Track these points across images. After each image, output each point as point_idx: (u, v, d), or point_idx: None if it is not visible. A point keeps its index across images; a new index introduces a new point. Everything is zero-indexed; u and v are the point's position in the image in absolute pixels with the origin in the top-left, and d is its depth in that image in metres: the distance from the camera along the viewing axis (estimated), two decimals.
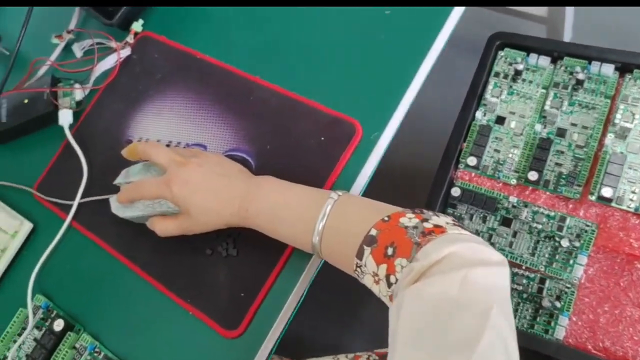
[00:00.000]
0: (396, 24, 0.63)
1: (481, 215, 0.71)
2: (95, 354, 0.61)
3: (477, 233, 0.71)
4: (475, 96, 0.74)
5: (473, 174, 0.72)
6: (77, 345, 0.62)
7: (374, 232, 0.48)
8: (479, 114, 0.73)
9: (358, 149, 0.59)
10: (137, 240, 0.63)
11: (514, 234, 0.69)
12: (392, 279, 0.45)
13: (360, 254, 0.48)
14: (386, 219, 0.48)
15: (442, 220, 0.47)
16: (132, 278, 0.62)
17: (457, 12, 0.62)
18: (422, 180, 0.81)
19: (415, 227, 0.46)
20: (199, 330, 0.58)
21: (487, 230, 0.71)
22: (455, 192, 0.72)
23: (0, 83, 0.72)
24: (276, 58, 0.66)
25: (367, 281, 0.48)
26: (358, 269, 0.49)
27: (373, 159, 0.59)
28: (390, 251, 0.46)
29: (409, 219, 0.47)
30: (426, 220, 0.47)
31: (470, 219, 0.72)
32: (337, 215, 0.51)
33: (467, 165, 0.72)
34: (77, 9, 0.77)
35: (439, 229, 0.46)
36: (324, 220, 0.51)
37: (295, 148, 0.61)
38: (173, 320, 0.59)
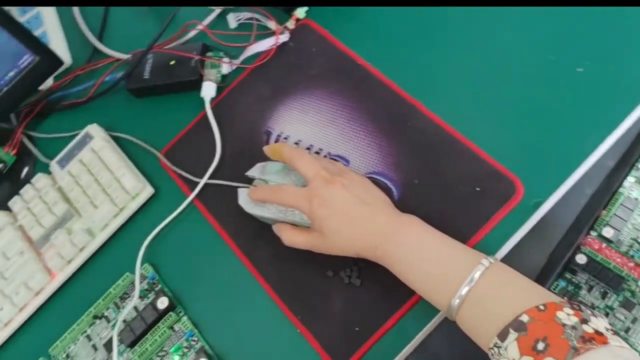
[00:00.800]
0: (588, 84, 0.57)
1: (602, 290, 0.66)
2: (193, 342, 0.60)
3: (592, 307, 0.66)
4: (628, 164, 0.68)
5: (604, 245, 0.67)
6: (176, 328, 0.61)
7: (525, 318, 0.44)
8: (627, 184, 0.67)
9: (514, 211, 0.55)
10: (257, 238, 0.61)
11: (634, 320, 0.64)
12: None
13: (503, 336, 0.44)
14: (542, 308, 0.44)
15: (601, 324, 0.43)
16: (245, 275, 0.61)
17: None
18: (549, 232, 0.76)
19: (573, 328, 0.42)
20: (302, 350, 0.56)
21: (605, 308, 0.66)
22: (581, 259, 0.67)
23: (153, 38, 0.70)
24: (443, 86, 0.62)
25: None
26: (495, 349, 0.45)
27: (527, 226, 0.55)
28: (540, 346, 0.42)
29: (567, 315, 0.43)
30: (586, 321, 0.43)
31: (589, 290, 0.67)
32: (486, 285, 0.48)
33: (600, 235, 0.66)
34: None
35: (600, 337, 0.42)
36: (470, 285, 0.48)
37: (445, 191, 0.57)
38: (278, 332, 0.58)
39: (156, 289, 0.63)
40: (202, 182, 0.65)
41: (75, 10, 0.85)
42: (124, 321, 0.62)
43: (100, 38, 0.80)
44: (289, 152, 0.56)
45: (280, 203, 0.56)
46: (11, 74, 0.70)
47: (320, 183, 0.53)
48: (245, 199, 0.60)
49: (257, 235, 0.61)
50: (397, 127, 0.61)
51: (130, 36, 0.80)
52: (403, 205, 0.56)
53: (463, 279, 0.48)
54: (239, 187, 0.62)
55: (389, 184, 0.59)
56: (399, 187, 0.59)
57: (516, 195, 0.55)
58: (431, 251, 0.51)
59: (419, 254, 0.51)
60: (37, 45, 0.69)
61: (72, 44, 0.82)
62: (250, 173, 0.61)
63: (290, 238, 0.56)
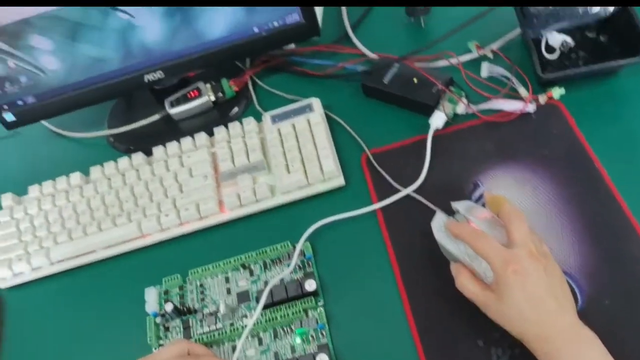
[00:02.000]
0: None
1: None
2: (320, 335, 0.60)
3: None
4: None
5: None
6: (310, 314, 0.61)
7: None
8: None
9: None
10: (423, 270, 0.61)
11: None
12: None
13: None
14: None
15: None
16: (394, 299, 0.60)
17: None
18: None
19: None
20: None
21: None
22: None
23: (409, 52, 0.72)
24: None
25: None
26: None
27: None
28: None
29: None
30: None
31: None
32: None
33: None
34: (518, 30, 0.74)
35: None
36: None
37: (635, 326, 0.54)
38: None
39: (307, 270, 0.64)
40: (404, 192, 0.66)
41: None
42: (266, 282, 0.64)
43: (354, 28, 0.84)
44: (510, 211, 0.55)
45: (475, 249, 0.55)
46: (275, 24, 0.74)
47: (525, 254, 0.52)
48: (439, 224, 0.60)
49: (424, 267, 0.61)
50: (607, 241, 0.59)
51: (381, 37, 0.82)
52: (585, 318, 0.53)
53: None
54: (439, 211, 0.62)
55: (577, 290, 0.57)
56: (585, 299, 0.56)
57: None
58: None
59: None
60: (309, 11, 0.73)
61: (326, 19, 0.86)
62: (456, 205, 0.60)
63: (465, 284, 0.55)
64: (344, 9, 0.87)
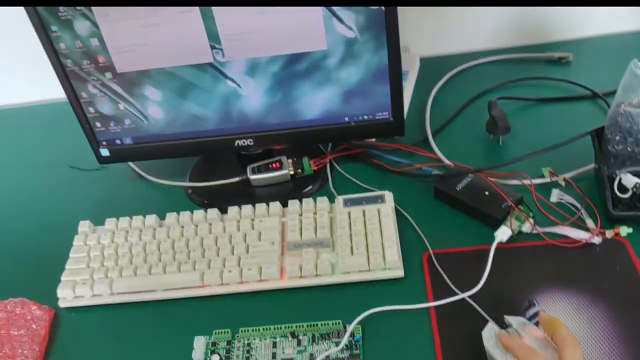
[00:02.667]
0: None
1: None
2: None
3: None
4: None
5: None
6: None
7: None
8: None
9: None
10: None
11: None
12: None
13: None
14: None
15: None
16: None
17: None
18: None
19: None
20: None
21: None
22: None
23: (485, 166, 0.76)
24: None
25: None
26: None
27: None
28: None
29: None
30: None
31: None
32: None
33: None
34: (593, 165, 0.78)
35: None
36: None
37: None
38: None
39: (354, 351, 0.65)
40: (461, 296, 0.67)
41: (430, 99, 0.96)
42: (311, 355, 0.65)
43: (434, 134, 0.89)
44: (566, 336, 0.56)
45: None
46: (365, 117, 0.80)
47: None
48: (490, 334, 0.61)
49: None
50: None
51: (459, 147, 0.87)
52: None
53: None
54: (491, 321, 0.63)
55: None
56: None
57: None
58: None
59: None
60: (399, 111, 0.79)
61: (409, 122, 0.91)
62: (509, 319, 0.62)
63: None
64: (427, 115, 0.92)
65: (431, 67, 1.04)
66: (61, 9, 0.71)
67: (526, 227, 0.73)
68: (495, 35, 1.08)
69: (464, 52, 1.07)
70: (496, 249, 0.71)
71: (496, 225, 0.73)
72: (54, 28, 0.73)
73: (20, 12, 0.73)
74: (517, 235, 0.73)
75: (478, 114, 0.92)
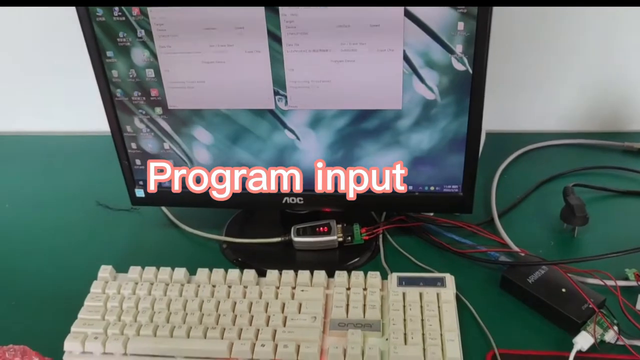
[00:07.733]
0: None
1: None
2: None
3: None
4: None
5: None
6: None
7: None
8: None
9: None
10: None
11: None
12: None
13: None
14: None
15: None
16: None
17: None
18: None
19: None
20: None
21: None
22: None
23: (562, 260, 0.67)
24: None
25: None
26: None
27: None
28: None
29: None
30: None
31: None
32: None
33: None
34: None
35: None
36: None
37: None
38: None
39: None
40: None
41: (496, 177, 0.88)
42: None
43: (500, 216, 0.81)
44: None
45: None
46: (432, 188, 0.72)
47: None
48: None
49: None
50: None
51: (528, 234, 0.79)
52: None
53: None
54: None
55: None
56: None
57: None
58: None
59: None
60: (471, 186, 0.71)
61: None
62: None
63: None
64: (493, 193, 0.84)
65: (497, 143, 0.97)
66: (121, 34, 0.66)
67: (609, 336, 0.63)
68: (567, 117, 1.01)
69: (532, 131, 1.00)
70: (575, 358, 0.61)
71: (574, 329, 0.63)
72: (109, 54, 0.68)
73: (76, 33, 0.67)
74: (599, 346, 0.63)
75: (549, 199, 0.84)
